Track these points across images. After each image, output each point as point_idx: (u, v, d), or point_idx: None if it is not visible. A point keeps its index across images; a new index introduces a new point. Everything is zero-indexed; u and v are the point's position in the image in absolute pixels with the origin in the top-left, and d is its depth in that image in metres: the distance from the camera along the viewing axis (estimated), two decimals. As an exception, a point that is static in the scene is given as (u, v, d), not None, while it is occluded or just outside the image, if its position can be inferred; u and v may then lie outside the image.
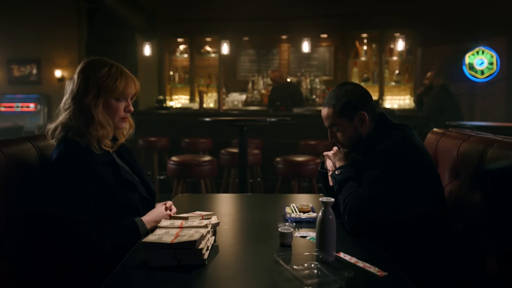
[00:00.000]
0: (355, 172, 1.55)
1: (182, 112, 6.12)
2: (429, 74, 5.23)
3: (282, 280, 1.02)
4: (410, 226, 1.44)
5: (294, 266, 1.06)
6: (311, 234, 1.36)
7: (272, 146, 4.72)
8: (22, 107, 6.91)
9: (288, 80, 6.43)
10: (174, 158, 3.33)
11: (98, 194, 1.34)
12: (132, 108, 1.49)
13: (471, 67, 6.06)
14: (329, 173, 1.67)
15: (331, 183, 1.63)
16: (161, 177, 4.99)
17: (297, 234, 1.36)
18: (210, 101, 6.76)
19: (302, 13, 6.28)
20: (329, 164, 1.68)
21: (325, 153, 1.70)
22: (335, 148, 1.68)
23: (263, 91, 6.69)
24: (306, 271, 1.05)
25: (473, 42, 6.04)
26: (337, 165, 1.60)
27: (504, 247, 1.31)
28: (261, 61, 6.95)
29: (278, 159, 3.49)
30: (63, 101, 1.44)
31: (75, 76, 1.42)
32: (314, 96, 6.59)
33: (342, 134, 1.57)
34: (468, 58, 6.07)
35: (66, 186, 1.31)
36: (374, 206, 1.39)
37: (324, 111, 1.60)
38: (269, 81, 6.61)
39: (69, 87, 1.43)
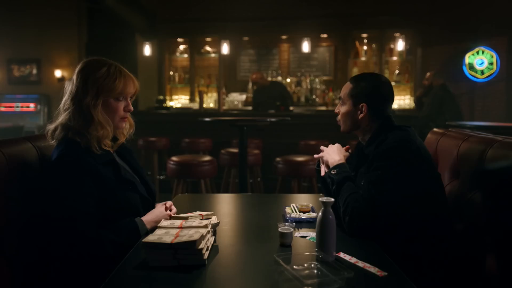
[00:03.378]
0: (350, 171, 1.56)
1: (182, 112, 6.12)
2: (428, 74, 5.22)
3: (282, 280, 1.02)
4: (410, 226, 1.44)
5: (294, 266, 1.06)
6: (311, 234, 1.36)
7: (272, 146, 4.73)
8: (22, 107, 6.91)
9: (276, 79, 6.43)
10: (174, 158, 3.34)
11: (98, 194, 1.34)
12: (131, 108, 1.49)
13: (471, 67, 6.06)
14: (322, 171, 1.67)
15: (322, 173, 1.65)
16: (161, 177, 4.99)
17: (297, 234, 1.36)
18: (210, 101, 6.76)
19: (302, 13, 6.28)
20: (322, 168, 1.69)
21: (316, 156, 1.72)
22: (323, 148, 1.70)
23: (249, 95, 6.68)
24: (306, 271, 1.05)
25: (473, 42, 6.04)
26: (331, 163, 1.59)
27: (504, 247, 1.31)
28: (261, 61, 6.95)
29: (278, 159, 3.49)
30: (63, 101, 1.44)
31: (74, 77, 1.42)
32: (314, 96, 6.58)
33: (342, 111, 1.63)
34: (468, 58, 6.07)
35: (66, 186, 1.30)
36: (376, 207, 1.38)
37: (347, 83, 1.66)
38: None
39: (68, 87, 1.43)
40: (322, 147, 1.71)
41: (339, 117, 1.65)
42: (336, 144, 1.69)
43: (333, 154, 1.62)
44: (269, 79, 6.41)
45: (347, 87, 1.63)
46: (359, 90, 1.59)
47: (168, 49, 6.93)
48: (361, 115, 1.58)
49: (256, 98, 5.77)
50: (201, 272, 1.07)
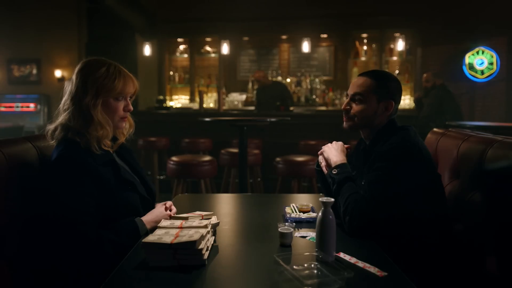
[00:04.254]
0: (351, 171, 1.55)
1: (182, 112, 6.12)
2: (425, 76, 5.22)
3: (282, 280, 1.02)
4: (411, 227, 1.44)
5: (294, 266, 1.06)
6: (311, 234, 1.36)
7: (272, 146, 4.73)
8: (22, 107, 6.91)
9: (277, 79, 6.46)
10: (174, 158, 3.33)
11: (98, 194, 1.34)
12: (131, 108, 1.49)
13: (471, 67, 6.06)
14: (323, 167, 1.65)
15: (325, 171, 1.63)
16: (161, 177, 4.99)
17: (297, 234, 1.36)
18: (210, 101, 6.76)
19: (302, 13, 6.28)
20: (321, 159, 1.67)
21: (319, 152, 1.70)
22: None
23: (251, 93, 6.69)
24: (306, 271, 1.05)
25: (473, 42, 6.04)
26: (333, 163, 1.58)
27: (504, 247, 1.31)
28: (261, 61, 6.94)
29: (278, 159, 3.48)
30: (62, 101, 1.44)
31: (74, 77, 1.42)
32: (314, 96, 6.58)
33: (361, 108, 1.57)
34: (468, 58, 6.06)
35: (66, 186, 1.30)
36: (377, 207, 1.38)
37: (362, 79, 1.59)
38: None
39: (68, 87, 1.43)
40: (323, 146, 1.69)
41: (352, 113, 1.59)
42: (339, 143, 1.67)
43: (334, 153, 1.61)
44: (270, 79, 6.43)
45: (366, 82, 1.57)
46: (387, 87, 1.57)
47: (168, 49, 6.93)
48: (386, 113, 1.56)
49: (259, 97, 5.80)
50: (201, 272, 1.07)
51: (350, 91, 1.61)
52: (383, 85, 1.57)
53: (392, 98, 1.56)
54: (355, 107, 1.58)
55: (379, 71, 1.70)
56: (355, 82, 1.61)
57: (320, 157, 1.68)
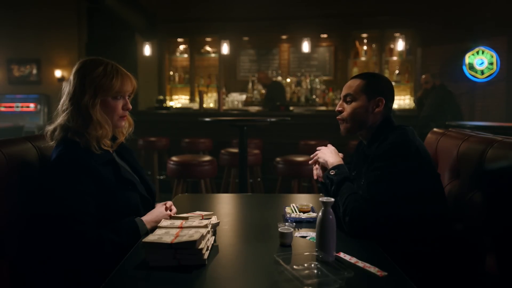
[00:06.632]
0: (349, 172, 1.56)
1: (182, 112, 6.12)
2: (423, 77, 5.22)
3: (282, 280, 1.02)
4: (410, 226, 1.44)
5: (294, 266, 1.06)
6: (311, 234, 1.36)
7: (272, 146, 4.73)
8: (22, 107, 6.91)
9: (277, 79, 6.58)
10: (174, 158, 3.33)
11: (98, 193, 1.34)
12: (130, 106, 1.49)
13: (471, 67, 6.06)
14: (314, 174, 1.68)
15: (315, 176, 1.67)
16: (161, 177, 4.99)
17: (297, 234, 1.36)
18: (210, 101, 6.76)
19: (302, 13, 6.28)
20: (317, 169, 1.69)
21: (312, 160, 1.72)
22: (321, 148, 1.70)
23: (263, 91, 6.70)
24: (306, 271, 1.05)
25: (473, 42, 6.04)
26: (329, 164, 1.59)
27: (504, 247, 1.31)
28: (261, 61, 6.95)
29: (278, 159, 3.49)
30: (61, 102, 1.44)
31: (71, 77, 1.42)
32: (314, 96, 6.59)
33: (352, 107, 1.59)
34: (468, 58, 6.07)
35: (65, 186, 1.30)
36: (376, 207, 1.38)
37: (352, 80, 1.63)
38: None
39: (66, 88, 1.43)
40: (317, 152, 1.70)
41: (344, 114, 1.61)
42: (332, 147, 1.70)
43: (330, 155, 1.63)
44: (273, 79, 6.50)
45: (355, 83, 1.60)
46: (375, 85, 1.59)
47: (168, 49, 6.93)
48: (377, 109, 1.57)
49: (267, 95, 6.08)
50: (201, 272, 1.07)
51: (342, 93, 1.65)
52: (372, 83, 1.59)
53: (382, 95, 1.58)
54: (347, 108, 1.61)
55: (369, 72, 1.73)
56: (346, 84, 1.65)
57: (315, 166, 1.71)
